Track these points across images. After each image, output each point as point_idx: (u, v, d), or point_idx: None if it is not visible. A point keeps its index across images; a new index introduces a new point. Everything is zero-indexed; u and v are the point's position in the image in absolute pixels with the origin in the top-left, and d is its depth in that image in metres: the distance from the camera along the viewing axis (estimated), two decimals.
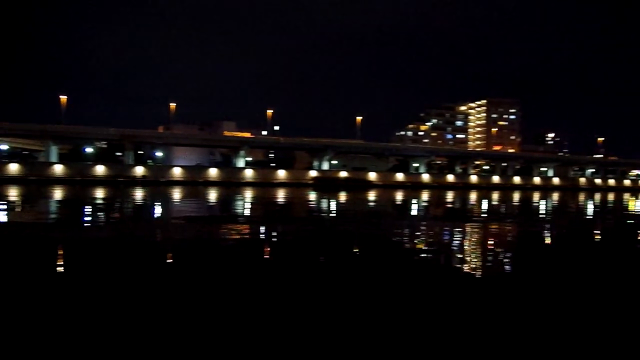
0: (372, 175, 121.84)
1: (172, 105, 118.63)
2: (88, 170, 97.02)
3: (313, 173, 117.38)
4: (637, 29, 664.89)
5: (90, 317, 8.56)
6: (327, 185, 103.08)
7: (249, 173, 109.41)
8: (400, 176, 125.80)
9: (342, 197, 64.09)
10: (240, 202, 48.94)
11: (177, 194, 60.61)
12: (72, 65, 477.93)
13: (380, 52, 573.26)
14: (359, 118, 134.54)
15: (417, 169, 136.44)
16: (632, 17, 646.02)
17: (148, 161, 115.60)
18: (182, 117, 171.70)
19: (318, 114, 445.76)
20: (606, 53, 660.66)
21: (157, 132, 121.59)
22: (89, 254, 15.60)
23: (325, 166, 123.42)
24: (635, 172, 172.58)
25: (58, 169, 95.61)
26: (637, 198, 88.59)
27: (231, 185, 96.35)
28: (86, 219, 30.23)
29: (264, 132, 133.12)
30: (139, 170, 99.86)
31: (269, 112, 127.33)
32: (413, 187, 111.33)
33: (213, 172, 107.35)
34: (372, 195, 70.16)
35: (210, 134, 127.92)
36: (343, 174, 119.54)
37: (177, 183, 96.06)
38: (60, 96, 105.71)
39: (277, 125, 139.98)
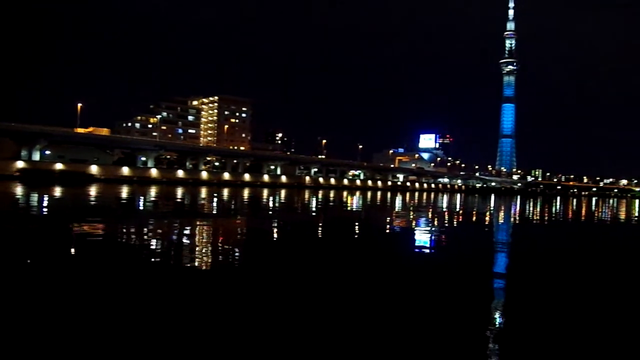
0: (94, 169, 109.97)
1: None
2: None
3: (20, 164, 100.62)
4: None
5: None
6: (37, 179, 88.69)
7: None
8: (125, 170, 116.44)
9: (53, 192, 54.44)
10: None
11: None
12: None
13: (113, 40, 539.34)
14: (79, 105, 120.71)
15: (145, 163, 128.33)
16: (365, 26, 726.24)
17: None
18: None
19: (29, 98, 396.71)
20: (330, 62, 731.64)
21: None
22: None
23: (37, 156, 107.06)
24: (352, 172, 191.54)
25: None
26: (353, 195, 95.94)
27: None
28: None
29: None
30: None
31: None
32: (140, 182, 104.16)
33: None
34: (91, 191, 62.01)
35: None
36: (59, 166, 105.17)
37: None
38: None
39: None
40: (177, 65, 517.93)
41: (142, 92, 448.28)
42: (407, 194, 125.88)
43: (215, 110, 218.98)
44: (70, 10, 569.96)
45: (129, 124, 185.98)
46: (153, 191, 70.78)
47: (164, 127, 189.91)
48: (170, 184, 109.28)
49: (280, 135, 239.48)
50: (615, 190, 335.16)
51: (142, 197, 54.64)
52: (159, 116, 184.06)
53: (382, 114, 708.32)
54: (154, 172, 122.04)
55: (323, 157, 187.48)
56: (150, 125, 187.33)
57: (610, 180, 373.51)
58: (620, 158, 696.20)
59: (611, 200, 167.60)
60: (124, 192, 65.06)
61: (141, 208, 39.98)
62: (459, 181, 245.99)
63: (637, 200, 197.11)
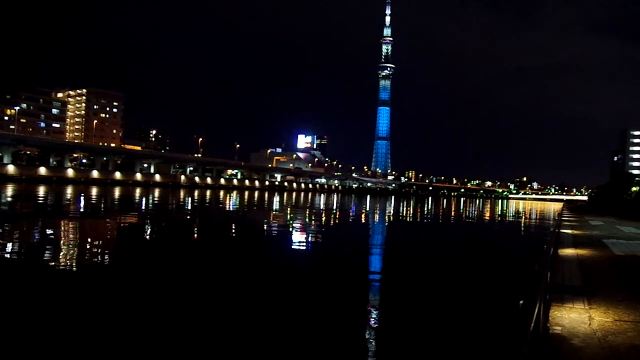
0: None
1: None
2: None
3: None
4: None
5: None
6: None
7: None
8: None
9: None
10: None
11: None
12: None
13: None
14: None
15: (0, 158, 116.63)
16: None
17: None
18: None
19: None
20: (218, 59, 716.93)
21: None
22: None
23: None
24: (229, 171, 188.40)
25: None
26: (230, 195, 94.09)
27: None
28: None
29: None
30: None
31: None
32: None
33: None
34: None
35: None
36: None
37: None
38: None
39: None
40: (40, 54, 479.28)
41: None
42: (285, 194, 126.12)
43: (84, 104, 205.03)
44: None
45: None
46: (40, 191, 64.30)
47: (23, 120, 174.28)
48: (30, 182, 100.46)
49: (154, 132, 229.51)
50: (481, 191, 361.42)
51: None
52: (17, 107, 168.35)
53: (261, 113, 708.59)
54: (10, 168, 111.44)
55: (199, 155, 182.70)
56: (6, 117, 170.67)
57: (477, 181, 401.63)
58: (486, 161, 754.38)
59: (477, 201, 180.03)
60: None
61: None
62: (336, 182, 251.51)
63: (499, 201, 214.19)
